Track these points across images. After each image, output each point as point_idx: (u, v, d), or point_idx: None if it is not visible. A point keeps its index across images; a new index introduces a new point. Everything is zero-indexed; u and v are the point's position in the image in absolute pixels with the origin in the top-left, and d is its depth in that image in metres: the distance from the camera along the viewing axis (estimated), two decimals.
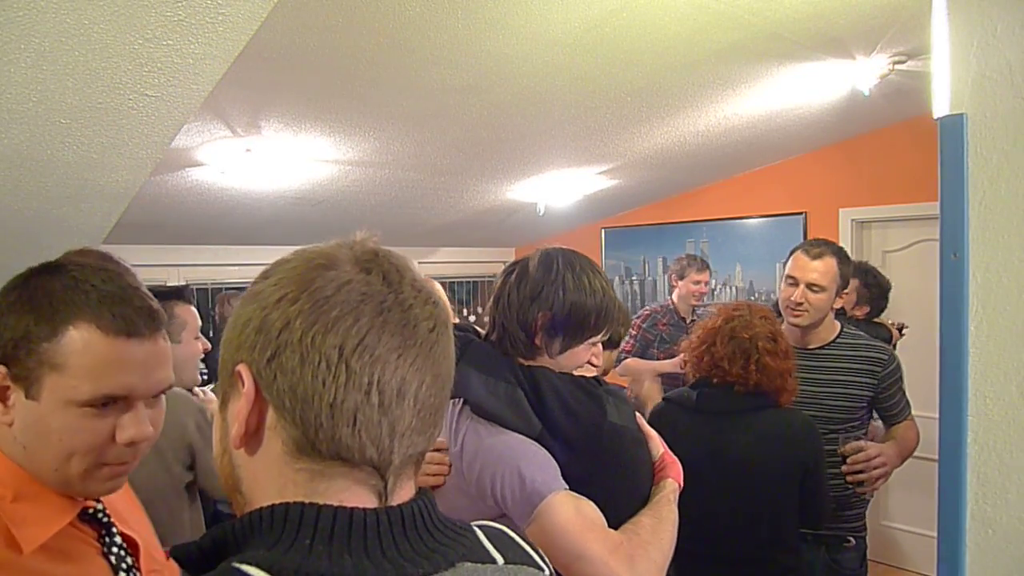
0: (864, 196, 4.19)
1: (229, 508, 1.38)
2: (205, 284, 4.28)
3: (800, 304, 2.13)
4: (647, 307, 3.95)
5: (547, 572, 0.70)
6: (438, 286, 2.70)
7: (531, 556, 0.69)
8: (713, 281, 4.88)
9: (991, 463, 1.06)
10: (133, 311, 0.86)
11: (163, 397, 0.93)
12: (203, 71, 1.63)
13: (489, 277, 5.87)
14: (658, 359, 3.57)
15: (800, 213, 4.44)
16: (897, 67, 2.89)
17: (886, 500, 4.08)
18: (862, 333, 2.28)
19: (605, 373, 2.49)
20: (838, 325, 2.23)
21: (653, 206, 5.11)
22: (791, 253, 2.24)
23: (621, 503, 1.27)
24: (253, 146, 2.86)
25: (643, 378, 3.35)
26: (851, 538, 2.13)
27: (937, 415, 1.11)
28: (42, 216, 2.18)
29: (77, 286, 0.86)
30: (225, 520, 0.58)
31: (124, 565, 0.92)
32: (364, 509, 0.56)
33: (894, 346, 3.03)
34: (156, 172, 2.62)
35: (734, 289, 4.77)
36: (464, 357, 1.27)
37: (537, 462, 1.19)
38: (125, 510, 1.01)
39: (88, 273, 0.88)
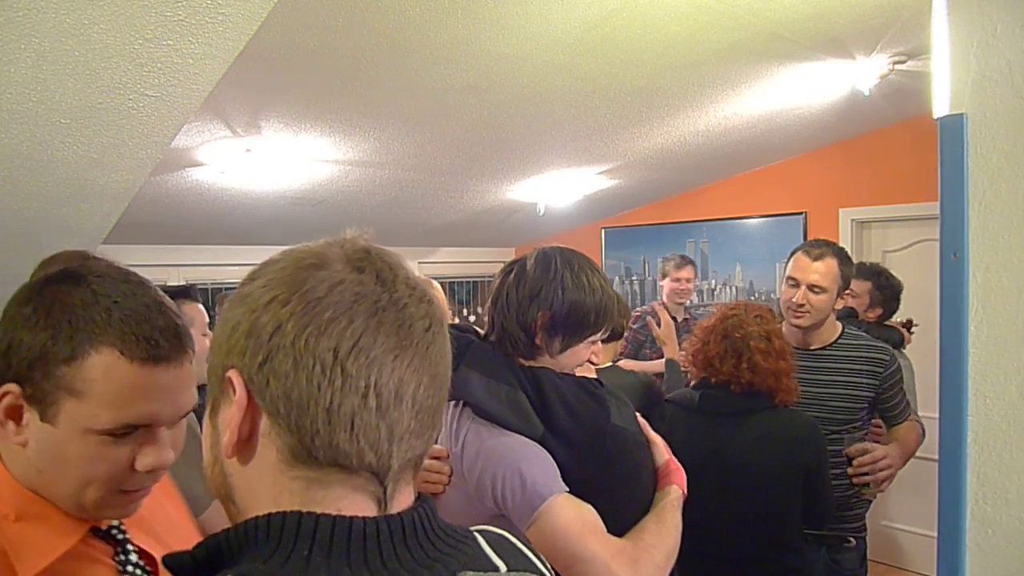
0: (864, 196, 4.18)
1: None
2: (205, 284, 4.28)
3: (801, 306, 2.13)
4: (637, 309, 3.95)
5: None
6: (436, 285, 2.70)
7: (533, 563, 0.68)
8: (713, 281, 4.89)
9: (991, 463, 1.06)
10: (159, 333, 0.80)
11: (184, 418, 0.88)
12: (203, 71, 1.63)
13: (489, 277, 5.86)
14: (651, 359, 3.57)
15: (800, 213, 4.44)
16: (897, 67, 2.89)
17: (886, 500, 4.08)
18: (864, 334, 2.28)
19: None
20: (839, 326, 2.23)
21: (653, 206, 5.11)
22: (792, 254, 2.24)
23: (623, 505, 1.27)
24: (253, 146, 2.86)
25: None
26: (851, 538, 2.13)
27: (938, 415, 1.11)
28: (42, 216, 2.18)
29: (98, 302, 0.79)
30: None
31: None
32: (364, 518, 0.54)
33: (905, 348, 3.01)
34: (156, 172, 2.62)
35: (734, 289, 4.77)
36: (465, 359, 1.27)
37: (538, 464, 1.19)
38: (155, 518, 0.96)
39: (109, 286, 0.81)
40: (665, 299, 3.85)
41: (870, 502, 2.24)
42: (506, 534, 0.69)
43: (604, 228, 5.38)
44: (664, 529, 1.22)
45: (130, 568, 0.86)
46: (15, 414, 0.79)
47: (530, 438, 1.21)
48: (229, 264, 4.33)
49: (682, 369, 2.39)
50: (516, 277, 1.32)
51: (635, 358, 3.62)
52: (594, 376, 1.40)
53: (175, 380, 0.82)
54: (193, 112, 1.84)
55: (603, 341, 2.56)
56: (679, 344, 3.01)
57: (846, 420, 2.11)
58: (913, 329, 3.21)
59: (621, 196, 4.72)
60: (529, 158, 3.71)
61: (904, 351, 2.95)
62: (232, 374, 0.55)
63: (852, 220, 4.25)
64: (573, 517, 1.14)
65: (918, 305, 3.46)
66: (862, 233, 4.30)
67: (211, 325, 4.25)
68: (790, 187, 4.48)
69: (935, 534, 1.12)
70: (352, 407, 0.54)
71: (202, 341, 1.99)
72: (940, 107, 1.09)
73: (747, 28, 2.41)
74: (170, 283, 3.82)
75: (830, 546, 2.09)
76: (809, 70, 2.91)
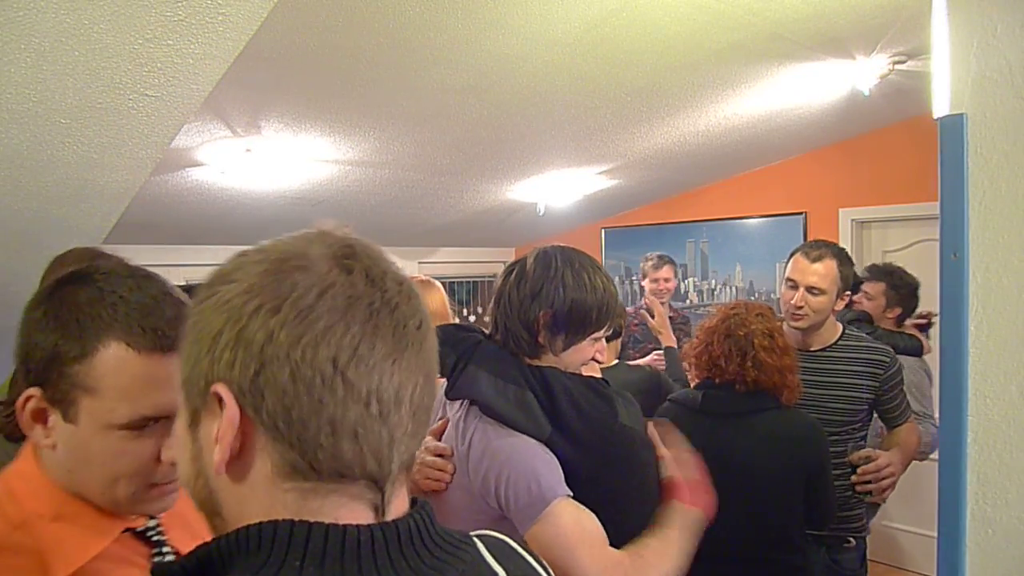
0: (864, 196, 4.18)
1: None
2: None
3: (800, 307, 2.12)
4: (628, 308, 3.93)
5: None
6: (438, 284, 2.69)
7: (534, 568, 0.67)
8: (713, 281, 4.89)
9: (991, 463, 1.06)
10: (165, 323, 0.80)
11: None
12: (203, 71, 1.63)
13: (489, 277, 5.86)
14: (633, 358, 3.58)
15: (800, 213, 4.44)
16: (897, 67, 2.89)
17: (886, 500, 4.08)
18: (864, 335, 2.28)
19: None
20: (840, 327, 2.23)
21: (653, 206, 5.11)
22: (791, 255, 2.23)
23: (630, 503, 1.27)
24: (253, 146, 2.86)
25: None
26: (851, 538, 2.13)
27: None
28: (42, 216, 2.18)
29: (103, 298, 0.79)
30: None
31: None
32: (358, 526, 0.53)
33: (925, 355, 2.98)
34: (156, 172, 2.62)
35: (734, 289, 4.77)
36: (473, 358, 1.27)
37: (544, 467, 1.19)
38: (197, 515, 0.96)
39: (115, 282, 0.81)
40: (647, 300, 3.84)
41: (878, 505, 2.22)
42: (507, 539, 0.68)
43: (604, 228, 5.38)
44: (667, 550, 1.21)
45: None
46: (41, 417, 0.81)
47: (537, 438, 1.21)
48: None
49: (684, 370, 2.39)
50: (517, 277, 1.32)
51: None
52: (600, 376, 1.40)
53: None
54: (193, 112, 1.84)
55: (605, 340, 2.58)
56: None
57: (846, 421, 2.11)
58: (933, 320, 3.16)
59: (621, 196, 4.72)
60: (529, 158, 3.71)
61: (924, 359, 2.92)
62: (220, 388, 0.52)
63: (852, 220, 4.25)
64: (572, 524, 1.14)
65: (918, 305, 3.46)
66: (862, 233, 4.30)
67: None
68: (790, 187, 4.48)
69: (935, 534, 1.12)
70: (355, 416, 0.52)
71: None
72: (940, 107, 1.09)
73: (747, 28, 2.41)
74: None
75: (830, 546, 2.09)
76: (809, 70, 2.91)
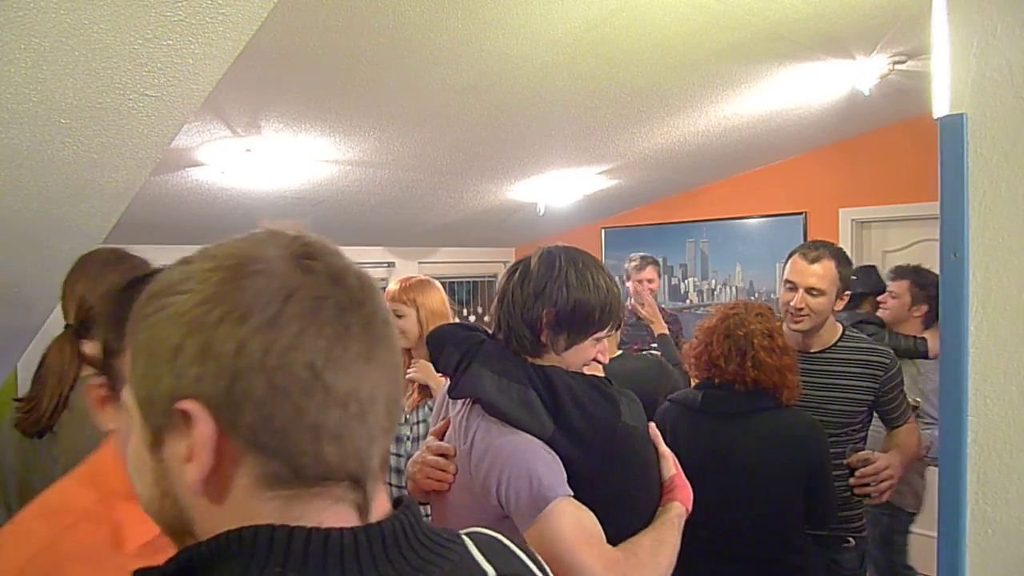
0: (864, 196, 4.19)
1: None
2: None
3: (800, 309, 2.12)
4: None
5: None
6: (437, 284, 2.67)
7: (527, 565, 0.66)
8: (713, 281, 4.89)
9: (991, 463, 1.06)
10: None
11: None
12: (203, 71, 1.63)
13: (489, 277, 5.86)
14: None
15: (800, 213, 4.44)
16: (897, 67, 2.89)
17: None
18: (864, 336, 2.28)
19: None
20: (839, 328, 2.22)
21: (653, 206, 5.11)
22: (789, 257, 2.23)
23: (634, 502, 1.27)
24: (253, 146, 2.86)
25: None
26: (851, 538, 2.13)
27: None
28: (42, 216, 2.18)
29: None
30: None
31: None
32: (340, 529, 0.52)
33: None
34: (156, 172, 2.62)
35: (734, 289, 4.77)
36: (477, 357, 1.27)
37: (546, 466, 1.19)
38: None
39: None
40: (631, 303, 3.84)
41: (886, 507, 2.22)
42: (499, 536, 0.67)
43: (604, 228, 5.38)
44: (661, 548, 1.21)
45: None
46: (104, 403, 0.91)
47: (540, 437, 1.21)
48: None
49: (684, 370, 2.40)
50: (521, 276, 1.33)
51: None
52: (602, 375, 1.40)
53: None
54: (193, 112, 1.84)
55: None
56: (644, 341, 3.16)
57: (846, 423, 2.11)
58: None
59: (621, 196, 4.72)
60: (529, 158, 3.71)
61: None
62: (188, 405, 0.50)
63: (852, 220, 4.25)
64: (573, 523, 1.14)
65: None
66: (862, 233, 4.30)
67: None
68: (790, 187, 4.48)
69: (935, 534, 1.12)
70: (336, 419, 0.51)
71: None
72: (940, 107, 1.09)
73: (747, 28, 2.41)
74: None
75: (829, 546, 2.09)
76: (809, 70, 2.91)
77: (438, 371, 1.38)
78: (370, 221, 4.34)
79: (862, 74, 2.93)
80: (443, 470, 1.31)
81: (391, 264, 5.09)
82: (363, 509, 0.55)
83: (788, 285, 2.17)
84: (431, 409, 1.92)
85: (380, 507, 0.57)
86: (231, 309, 0.50)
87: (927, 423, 2.79)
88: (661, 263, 5.07)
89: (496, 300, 1.37)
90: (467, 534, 0.63)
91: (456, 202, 4.31)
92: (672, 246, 5.03)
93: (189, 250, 0.60)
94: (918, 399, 2.67)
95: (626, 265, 3.88)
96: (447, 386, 1.39)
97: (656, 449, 1.37)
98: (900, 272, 3.10)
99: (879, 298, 3.05)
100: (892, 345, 2.41)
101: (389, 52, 2.25)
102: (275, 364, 0.50)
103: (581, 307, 1.28)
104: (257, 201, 3.52)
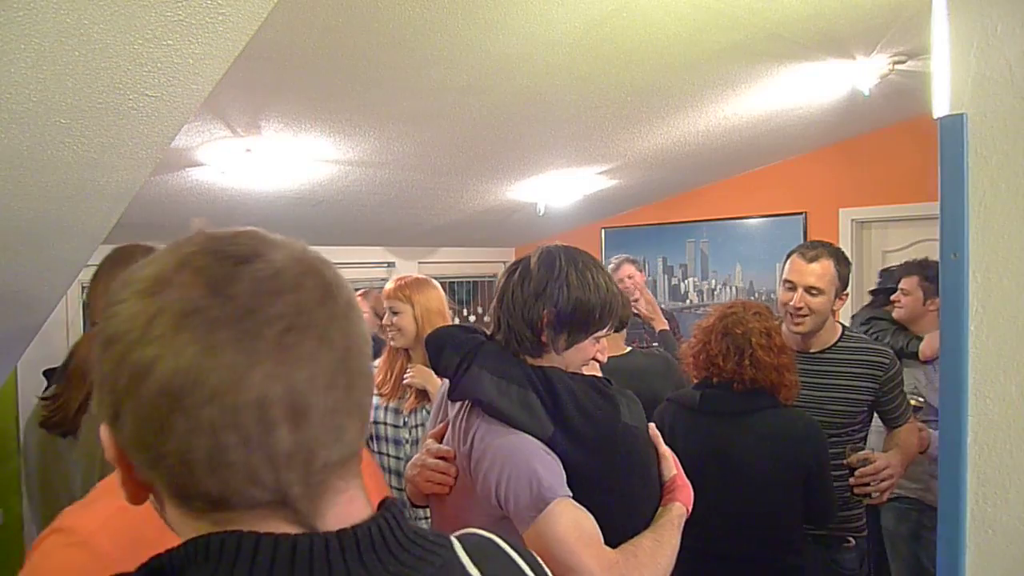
0: (864, 196, 4.19)
1: None
2: None
3: (800, 309, 2.12)
4: None
5: None
6: (436, 284, 2.68)
7: (519, 567, 0.65)
8: (713, 281, 4.89)
9: (991, 463, 1.06)
10: None
11: None
12: (203, 71, 1.63)
13: (489, 277, 5.86)
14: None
15: (800, 213, 4.44)
16: (897, 67, 2.89)
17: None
18: (865, 336, 2.28)
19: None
20: (839, 328, 2.23)
21: (653, 206, 5.11)
22: (787, 257, 2.23)
23: (635, 501, 1.27)
24: (253, 146, 2.86)
25: None
26: (851, 538, 2.13)
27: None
28: (42, 216, 2.18)
29: None
30: None
31: None
32: (311, 535, 0.50)
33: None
34: (156, 172, 2.62)
35: (734, 289, 4.78)
36: (476, 359, 1.27)
37: (545, 467, 1.19)
38: None
39: None
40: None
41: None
42: (494, 537, 0.66)
43: (604, 228, 5.38)
44: (660, 549, 1.21)
45: None
46: None
47: (540, 438, 1.21)
48: None
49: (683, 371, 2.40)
50: (521, 276, 1.33)
51: None
52: (601, 375, 1.40)
53: None
54: (193, 112, 1.84)
55: (614, 330, 2.61)
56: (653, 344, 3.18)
57: (846, 423, 2.11)
58: None
59: (621, 196, 4.72)
60: (529, 158, 3.71)
61: None
62: (103, 430, 0.51)
63: (852, 220, 4.25)
64: (571, 525, 1.14)
65: None
66: (862, 233, 4.30)
67: None
68: (790, 187, 4.48)
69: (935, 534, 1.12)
70: (208, 448, 0.47)
71: None
72: (940, 107, 1.09)
73: (747, 28, 2.41)
74: None
75: (829, 546, 2.09)
76: (809, 70, 2.91)
77: (437, 374, 1.38)
78: (370, 221, 4.34)
79: (862, 74, 2.93)
80: (444, 472, 1.31)
81: (391, 264, 5.09)
82: (303, 523, 0.52)
83: (787, 285, 2.17)
84: (429, 412, 1.92)
85: (344, 515, 0.54)
86: (104, 331, 0.50)
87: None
88: (660, 263, 5.09)
89: (495, 300, 1.37)
90: (458, 536, 0.62)
91: (456, 202, 4.31)
92: (672, 246, 5.03)
93: None
94: (922, 399, 2.66)
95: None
96: (445, 387, 1.39)
97: (656, 449, 1.37)
98: (907, 268, 3.09)
99: (892, 297, 3.05)
100: (895, 345, 2.41)
101: (389, 52, 2.25)
102: (134, 392, 0.48)
103: (582, 306, 1.28)
104: (257, 201, 3.52)
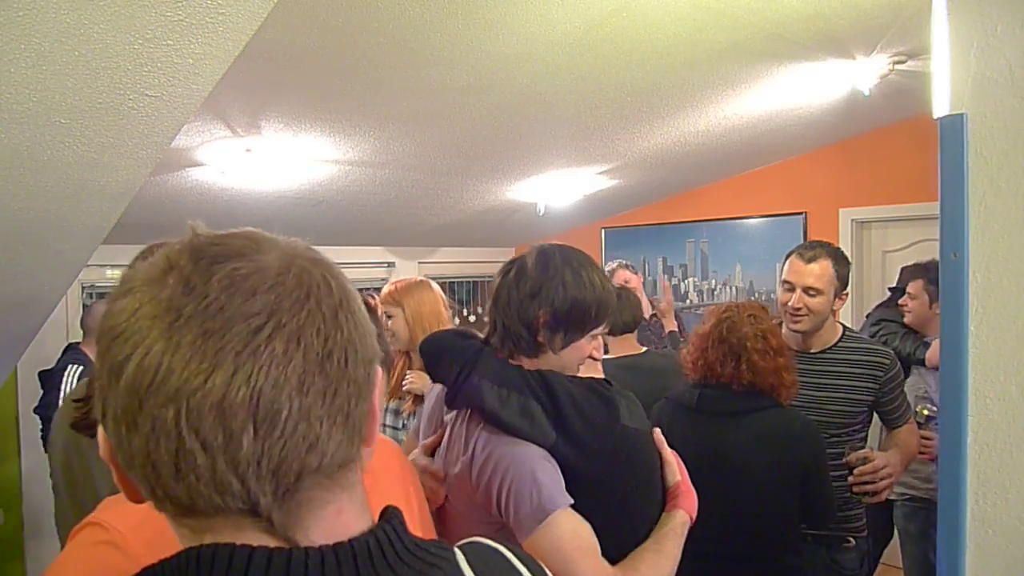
0: (864, 196, 4.19)
1: None
2: None
3: (799, 309, 2.12)
4: None
5: None
6: (435, 285, 2.68)
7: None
8: (713, 281, 4.89)
9: (991, 463, 1.06)
10: None
11: None
12: (203, 71, 1.63)
13: (489, 277, 5.86)
14: None
15: (800, 213, 4.44)
16: (897, 67, 2.89)
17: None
18: (865, 336, 2.28)
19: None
20: (840, 328, 2.23)
21: (653, 206, 5.11)
22: (786, 257, 2.23)
23: (637, 505, 1.27)
24: (253, 146, 2.86)
25: None
26: (851, 538, 2.13)
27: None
28: (42, 216, 2.18)
29: None
30: None
31: None
32: (307, 549, 0.48)
33: None
34: (156, 172, 2.62)
35: (734, 289, 4.78)
36: (476, 368, 1.27)
37: (547, 476, 1.18)
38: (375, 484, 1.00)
39: None
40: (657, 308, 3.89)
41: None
42: (499, 547, 0.64)
43: (604, 228, 5.38)
44: (661, 560, 1.21)
45: None
46: None
47: (542, 446, 1.21)
48: None
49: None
50: (516, 276, 1.32)
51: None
52: (602, 375, 1.40)
53: None
54: (193, 112, 1.84)
55: (619, 332, 2.63)
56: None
57: (846, 423, 2.11)
58: None
59: (621, 196, 4.72)
60: (529, 158, 3.71)
61: None
62: (99, 427, 0.51)
63: (852, 220, 4.25)
64: (570, 536, 1.14)
65: None
66: (862, 233, 4.30)
67: None
68: (790, 187, 4.48)
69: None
70: (171, 451, 0.46)
71: None
72: (940, 107, 1.09)
73: (747, 28, 2.41)
74: None
75: (829, 546, 2.09)
76: (809, 70, 2.91)
77: (435, 381, 1.37)
78: (370, 221, 4.34)
79: (862, 74, 2.93)
80: (432, 491, 1.29)
81: (391, 264, 5.09)
82: (279, 535, 0.50)
83: (786, 285, 2.17)
84: None
85: (346, 524, 0.52)
86: (100, 331, 0.50)
87: None
88: (660, 263, 5.09)
89: (491, 300, 1.36)
90: (461, 546, 0.61)
91: (456, 202, 4.31)
92: (672, 246, 5.03)
93: None
94: (935, 408, 2.65)
95: None
96: (439, 389, 1.38)
97: (660, 454, 1.37)
98: (911, 272, 3.08)
99: (899, 301, 3.03)
100: (896, 349, 2.42)
101: (389, 52, 2.25)
102: (109, 391, 0.48)
103: (578, 305, 1.28)
104: (257, 201, 3.52)
